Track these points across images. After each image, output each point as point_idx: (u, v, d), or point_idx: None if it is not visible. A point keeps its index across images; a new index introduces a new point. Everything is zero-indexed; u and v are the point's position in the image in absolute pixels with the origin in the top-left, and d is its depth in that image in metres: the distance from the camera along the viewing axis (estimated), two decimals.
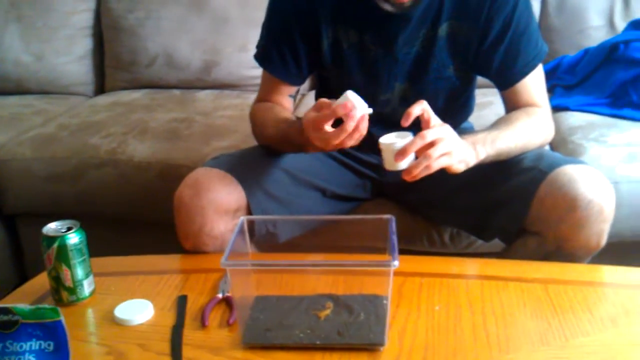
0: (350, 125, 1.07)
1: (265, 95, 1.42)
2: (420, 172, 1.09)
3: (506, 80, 1.33)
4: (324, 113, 1.10)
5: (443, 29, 1.28)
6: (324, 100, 1.13)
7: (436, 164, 1.09)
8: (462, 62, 1.32)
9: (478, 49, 1.30)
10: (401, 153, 1.08)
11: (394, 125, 1.12)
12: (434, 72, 1.32)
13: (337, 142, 1.10)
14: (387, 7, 1.21)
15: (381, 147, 1.11)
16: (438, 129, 1.09)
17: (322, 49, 1.33)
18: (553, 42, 2.10)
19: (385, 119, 1.25)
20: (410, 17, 1.26)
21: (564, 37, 2.13)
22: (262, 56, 1.40)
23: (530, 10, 1.31)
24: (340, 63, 1.34)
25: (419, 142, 1.07)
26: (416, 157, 1.09)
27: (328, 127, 1.11)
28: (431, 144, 1.08)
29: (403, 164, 1.09)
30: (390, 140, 1.10)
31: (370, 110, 1.10)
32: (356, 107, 1.07)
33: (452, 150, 1.10)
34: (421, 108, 1.10)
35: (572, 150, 1.63)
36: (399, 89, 1.35)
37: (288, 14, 1.32)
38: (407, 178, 1.10)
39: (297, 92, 1.44)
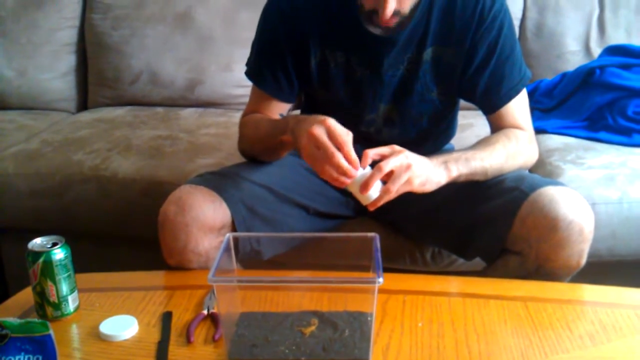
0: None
1: (256, 110, 1.43)
2: (382, 202, 1.14)
3: (491, 105, 1.35)
4: (332, 151, 1.10)
5: (428, 53, 1.31)
6: (336, 130, 1.12)
7: (395, 194, 1.13)
8: (447, 86, 1.35)
9: (463, 74, 1.32)
10: (363, 188, 1.11)
11: (378, 144, 1.15)
12: (417, 94, 1.35)
13: (320, 168, 1.12)
14: (374, 30, 1.23)
15: (348, 189, 1.15)
16: (394, 159, 1.11)
17: (310, 68, 1.35)
18: (531, 66, 2.13)
19: (370, 138, 1.27)
20: (396, 41, 1.29)
21: (542, 61, 2.18)
22: (255, 73, 1.41)
23: (514, 35, 1.34)
24: (327, 82, 1.36)
25: (377, 175, 1.10)
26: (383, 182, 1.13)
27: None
28: (390, 173, 1.11)
29: (372, 194, 1.12)
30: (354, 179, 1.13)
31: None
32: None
33: (411, 177, 1.13)
34: (369, 158, 1.12)
35: (549, 172, 1.66)
36: (384, 110, 1.37)
37: (278, 32, 1.34)
38: (371, 208, 1.14)
39: (290, 111, 1.45)
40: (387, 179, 1.12)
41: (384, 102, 1.36)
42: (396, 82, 1.34)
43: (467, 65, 1.31)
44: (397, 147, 1.15)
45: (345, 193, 1.48)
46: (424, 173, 1.15)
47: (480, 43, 1.29)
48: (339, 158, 1.09)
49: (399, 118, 1.39)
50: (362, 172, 1.12)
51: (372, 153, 1.13)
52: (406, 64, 1.32)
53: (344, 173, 1.10)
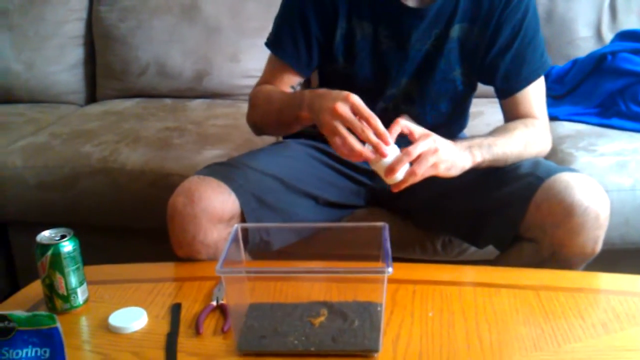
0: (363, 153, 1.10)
1: (269, 81, 1.43)
2: (407, 185, 1.13)
3: (509, 88, 1.36)
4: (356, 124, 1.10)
5: (455, 31, 1.32)
6: (361, 105, 1.11)
7: (421, 177, 1.12)
8: (469, 67, 1.36)
9: (486, 54, 1.33)
10: (389, 171, 1.11)
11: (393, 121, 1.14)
12: (440, 72, 1.35)
13: (339, 143, 1.11)
14: (406, 1, 1.24)
15: (374, 169, 1.15)
16: (422, 143, 1.11)
17: (334, 39, 1.35)
18: None
19: (387, 114, 1.26)
20: (425, 15, 1.30)
21: (553, 47, 2.15)
22: (274, 41, 1.42)
23: (538, 21, 1.35)
24: (352, 54, 1.36)
25: (406, 159, 1.10)
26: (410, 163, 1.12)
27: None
28: (417, 157, 1.11)
29: (399, 175, 1.11)
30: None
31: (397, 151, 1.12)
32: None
33: (437, 161, 1.13)
34: (400, 126, 1.12)
35: (561, 159, 1.64)
36: (405, 85, 1.37)
37: (307, 1, 1.35)
38: (395, 190, 1.14)
39: (300, 84, 1.46)
40: (413, 161, 1.12)
41: (406, 77, 1.37)
42: (421, 57, 1.35)
43: (491, 45, 1.32)
44: (425, 130, 1.14)
45: (356, 182, 1.48)
46: (450, 158, 1.15)
47: (505, 24, 1.30)
48: (369, 133, 1.09)
49: (419, 95, 1.39)
50: (391, 150, 1.11)
51: (403, 124, 1.12)
52: (433, 39, 1.33)
53: (375, 148, 1.09)
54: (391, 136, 1.11)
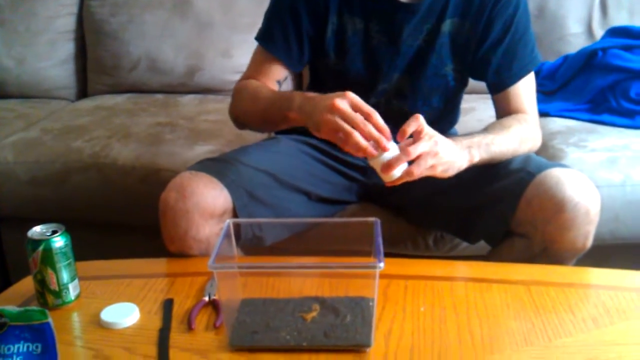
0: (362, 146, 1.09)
1: (254, 74, 1.42)
2: (402, 181, 1.12)
3: (500, 83, 1.36)
4: (358, 120, 1.09)
5: (446, 25, 1.32)
6: (360, 101, 1.11)
7: (417, 177, 1.11)
8: (461, 62, 1.36)
9: (477, 49, 1.34)
10: (387, 167, 1.10)
11: (386, 116, 1.13)
12: (432, 67, 1.35)
13: (342, 137, 1.10)
14: None
15: (371, 164, 1.13)
16: (423, 144, 1.10)
17: (325, 35, 1.35)
18: None
19: (379, 109, 1.26)
20: (417, 10, 1.30)
21: (544, 43, 2.16)
22: (265, 35, 1.41)
23: (529, 17, 1.36)
24: (343, 50, 1.36)
25: (404, 159, 1.09)
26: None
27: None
28: (416, 157, 1.10)
29: (396, 173, 1.11)
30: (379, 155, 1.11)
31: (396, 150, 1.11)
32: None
33: (436, 164, 1.12)
34: (417, 124, 1.11)
35: (552, 155, 1.65)
36: (397, 81, 1.38)
37: None
38: (389, 185, 1.13)
39: (285, 79, 1.44)
40: (412, 160, 1.11)
41: (398, 73, 1.37)
42: (413, 52, 1.35)
43: (482, 41, 1.33)
44: (430, 131, 1.13)
45: (349, 178, 1.48)
46: (449, 159, 1.14)
47: (496, 19, 1.31)
48: (370, 128, 1.08)
49: (410, 91, 1.39)
50: (391, 146, 1.10)
51: (422, 120, 1.11)
52: (424, 34, 1.33)
53: (377, 142, 1.08)
54: (408, 130, 1.10)
